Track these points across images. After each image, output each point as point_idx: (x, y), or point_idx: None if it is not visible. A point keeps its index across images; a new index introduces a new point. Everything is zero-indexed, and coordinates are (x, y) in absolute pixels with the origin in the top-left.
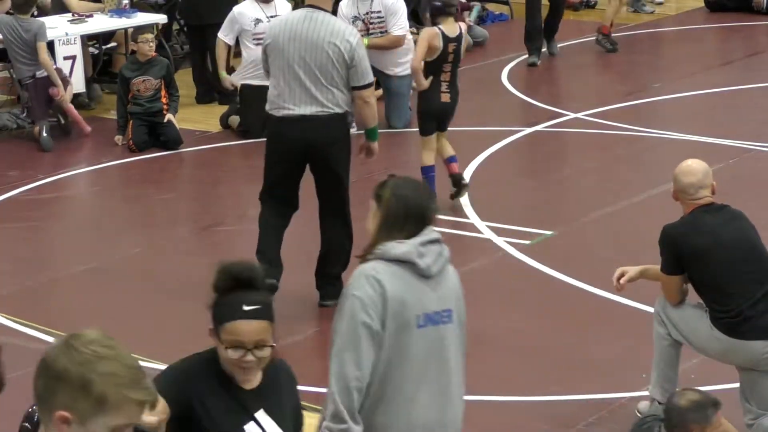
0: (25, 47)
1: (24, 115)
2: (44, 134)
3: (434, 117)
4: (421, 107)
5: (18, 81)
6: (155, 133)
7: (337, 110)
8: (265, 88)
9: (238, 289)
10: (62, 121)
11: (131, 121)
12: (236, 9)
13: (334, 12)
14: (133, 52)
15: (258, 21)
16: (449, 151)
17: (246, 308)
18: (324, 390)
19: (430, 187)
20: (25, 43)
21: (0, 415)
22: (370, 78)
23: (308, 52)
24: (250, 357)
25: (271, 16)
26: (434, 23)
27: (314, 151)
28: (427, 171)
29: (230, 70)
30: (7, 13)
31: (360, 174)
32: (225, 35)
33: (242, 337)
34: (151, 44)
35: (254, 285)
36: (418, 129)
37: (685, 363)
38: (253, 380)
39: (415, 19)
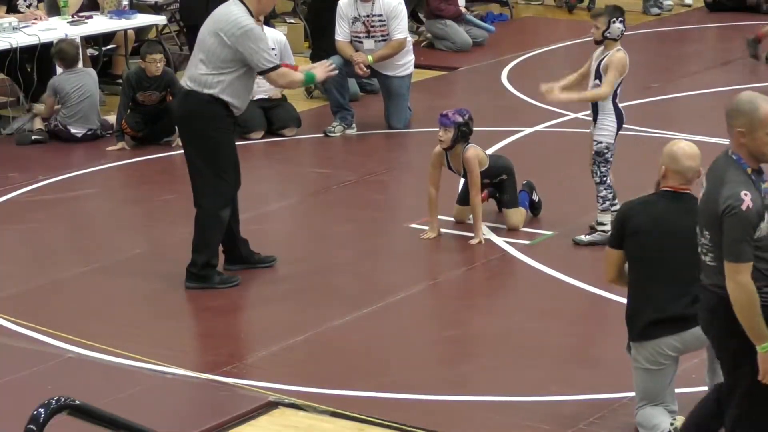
0: (80, 101)
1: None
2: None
3: None
4: None
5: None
6: (150, 121)
7: (194, 87)
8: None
9: None
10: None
11: (128, 111)
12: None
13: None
14: (134, 52)
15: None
16: None
17: None
18: (323, 390)
19: None
20: (81, 95)
21: (3, 416)
22: (264, 65)
23: (203, 31)
24: None
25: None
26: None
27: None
28: None
29: None
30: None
31: (361, 174)
32: None
33: None
34: (159, 65)
35: None
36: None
37: (685, 363)
38: None
39: (416, 20)
